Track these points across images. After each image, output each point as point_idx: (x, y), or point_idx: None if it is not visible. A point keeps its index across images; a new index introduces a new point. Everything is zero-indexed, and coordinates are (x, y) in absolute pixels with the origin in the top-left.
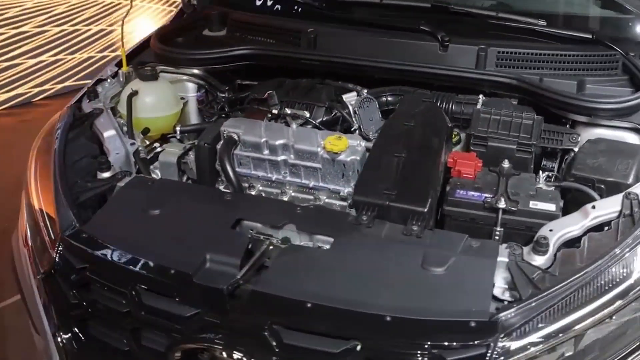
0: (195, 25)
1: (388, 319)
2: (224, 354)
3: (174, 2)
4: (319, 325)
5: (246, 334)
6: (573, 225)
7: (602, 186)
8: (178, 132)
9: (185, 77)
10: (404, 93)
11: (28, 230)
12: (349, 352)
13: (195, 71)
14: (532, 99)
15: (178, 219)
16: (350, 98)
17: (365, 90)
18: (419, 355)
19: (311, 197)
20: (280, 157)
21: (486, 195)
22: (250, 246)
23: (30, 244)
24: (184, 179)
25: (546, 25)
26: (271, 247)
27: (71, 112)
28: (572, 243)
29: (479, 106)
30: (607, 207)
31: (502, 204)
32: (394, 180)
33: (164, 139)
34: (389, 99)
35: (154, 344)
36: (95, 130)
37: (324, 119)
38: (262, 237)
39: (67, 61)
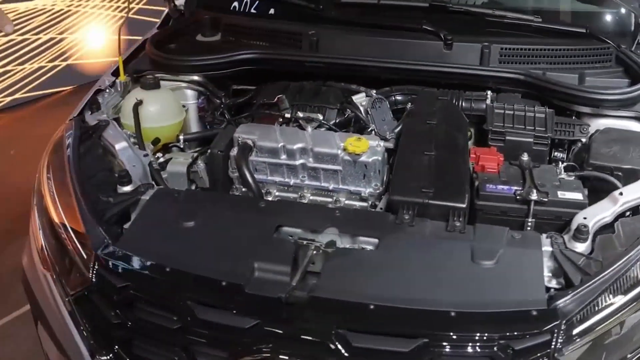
0: (187, 31)
1: (452, 314)
2: None
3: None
4: (385, 326)
5: (311, 341)
6: (604, 212)
7: (620, 173)
8: (182, 141)
9: (184, 84)
10: (413, 92)
11: (48, 250)
12: (420, 350)
13: (195, 78)
14: (538, 93)
15: (215, 230)
16: (360, 99)
17: (374, 91)
18: (487, 347)
19: (330, 199)
20: (299, 161)
21: (515, 187)
22: (295, 252)
23: (53, 264)
24: (193, 188)
25: (541, 21)
26: (315, 252)
27: (77, 125)
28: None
29: (488, 102)
30: (633, 193)
31: (534, 196)
32: (429, 178)
33: (165, 148)
34: (398, 98)
35: (210, 359)
36: (105, 142)
37: (337, 121)
38: (305, 242)
39: (17, 72)
